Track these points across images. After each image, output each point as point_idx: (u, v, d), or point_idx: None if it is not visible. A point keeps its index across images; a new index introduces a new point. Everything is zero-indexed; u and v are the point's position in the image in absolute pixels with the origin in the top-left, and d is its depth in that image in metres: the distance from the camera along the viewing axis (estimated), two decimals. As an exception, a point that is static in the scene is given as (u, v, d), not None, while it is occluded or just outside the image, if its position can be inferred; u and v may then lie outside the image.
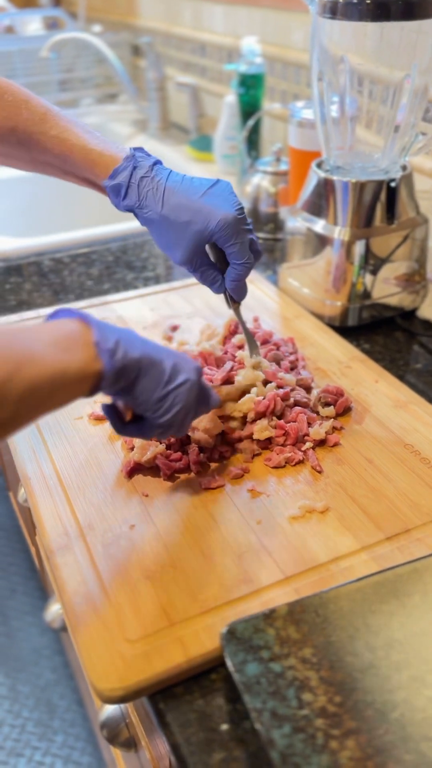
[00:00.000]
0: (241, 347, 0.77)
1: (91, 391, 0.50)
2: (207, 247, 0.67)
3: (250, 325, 0.85)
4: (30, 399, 0.45)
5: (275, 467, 0.64)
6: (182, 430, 0.58)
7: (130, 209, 0.68)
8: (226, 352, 0.76)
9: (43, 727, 1.40)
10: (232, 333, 0.84)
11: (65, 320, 0.50)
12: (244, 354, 0.73)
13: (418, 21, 0.75)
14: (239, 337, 0.80)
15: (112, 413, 0.57)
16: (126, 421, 0.58)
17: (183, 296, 0.95)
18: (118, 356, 0.50)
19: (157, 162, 0.68)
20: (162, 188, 0.66)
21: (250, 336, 0.73)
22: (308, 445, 0.65)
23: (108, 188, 0.68)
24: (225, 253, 0.66)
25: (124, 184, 0.67)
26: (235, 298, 0.71)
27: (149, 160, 0.68)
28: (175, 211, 0.65)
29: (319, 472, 0.63)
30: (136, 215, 0.68)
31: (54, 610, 1.13)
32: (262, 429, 0.65)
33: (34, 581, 1.70)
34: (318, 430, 0.66)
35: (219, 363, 0.75)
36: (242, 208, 0.65)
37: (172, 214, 0.65)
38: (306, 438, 0.66)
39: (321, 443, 0.67)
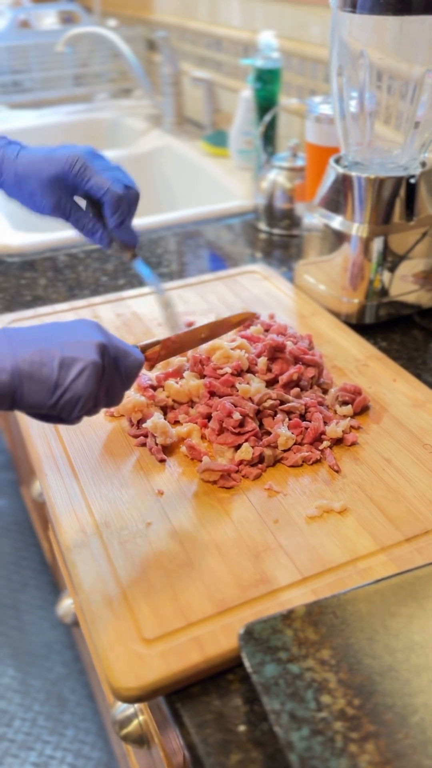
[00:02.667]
0: (257, 339, 0.76)
1: None
2: (90, 207, 0.66)
3: (265, 320, 0.84)
4: None
5: (292, 466, 0.63)
6: (113, 403, 0.52)
7: None
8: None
9: (54, 721, 1.41)
10: (247, 325, 0.83)
11: None
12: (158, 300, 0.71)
13: (440, 15, 0.73)
14: (254, 329, 0.79)
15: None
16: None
17: (198, 292, 0.95)
18: None
19: (13, 141, 0.68)
20: (15, 154, 0.66)
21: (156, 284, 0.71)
22: (325, 444, 0.65)
23: None
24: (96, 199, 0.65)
25: None
26: (123, 242, 0.66)
27: (3, 141, 0.68)
28: (29, 166, 0.65)
29: (337, 471, 0.63)
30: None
31: (66, 604, 1.13)
32: (286, 439, 0.65)
33: (46, 575, 1.71)
34: (335, 429, 0.66)
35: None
36: (94, 150, 0.65)
37: (26, 169, 0.65)
38: (323, 437, 0.66)
39: (338, 442, 0.66)
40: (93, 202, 0.66)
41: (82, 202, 0.67)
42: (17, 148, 0.67)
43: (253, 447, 0.64)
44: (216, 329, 0.67)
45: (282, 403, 0.67)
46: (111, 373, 0.51)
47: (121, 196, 0.63)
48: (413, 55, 0.79)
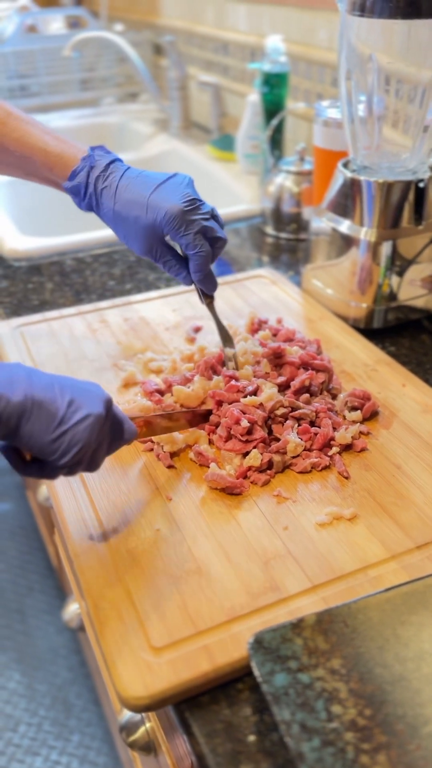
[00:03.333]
0: (264, 345, 0.76)
1: None
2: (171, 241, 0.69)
3: (272, 324, 0.84)
4: None
5: (301, 472, 0.63)
6: (93, 467, 0.53)
7: (89, 209, 0.71)
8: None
9: (60, 726, 1.40)
10: (255, 330, 0.83)
11: None
12: (223, 350, 0.74)
13: (449, 19, 0.73)
14: (262, 334, 0.79)
15: (9, 453, 0.51)
16: (27, 460, 0.52)
17: (206, 297, 0.95)
18: None
19: (115, 160, 0.70)
20: (115, 186, 0.68)
21: (223, 330, 0.75)
22: (335, 450, 0.64)
23: (68, 190, 0.71)
24: None
25: (82, 184, 0.70)
26: (204, 291, 0.71)
27: (106, 159, 0.70)
28: (126, 207, 0.68)
29: (346, 477, 0.62)
30: (97, 215, 0.71)
31: (72, 609, 1.13)
32: (295, 446, 0.64)
33: (52, 580, 1.71)
34: (344, 435, 0.65)
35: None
36: (192, 199, 0.66)
37: (123, 210, 0.68)
38: (332, 443, 0.65)
39: (347, 448, 0.66)
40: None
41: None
42: (117, 175, 0.69)
43: (261, 453, 0.63)
44: (189, 420, 0.67)
45: (293, 409, 0.67)
46: (106, 432, 0.52)
47: (206, 257, 0.68)
48: (422, 59, 0.78)
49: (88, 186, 0.70)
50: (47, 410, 0.48)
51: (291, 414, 0.66)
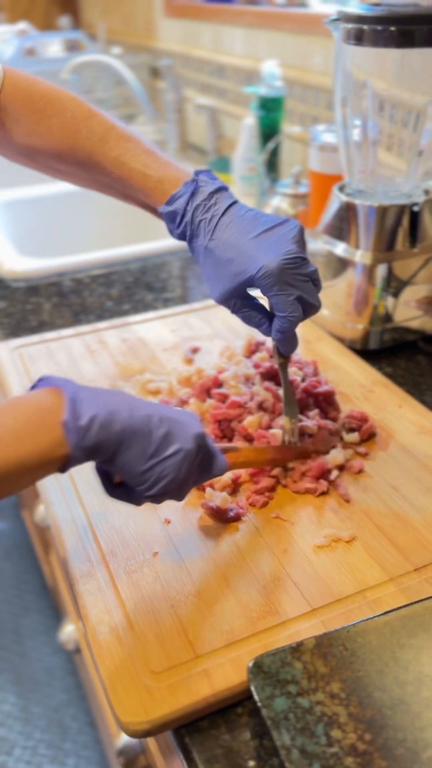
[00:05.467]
0: (258, 366, 0.76)
1: (62, 471, 0.47)
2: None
3: (270, 347, 0.85)
4: None
5: (296, 492, 0.63)
6: (179, 498, 0.52)
7: (182, 238, 0.64)
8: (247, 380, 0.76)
9: (55, 749, 1.39)
10: (252, 351, 0.84)
11: (40, 393, 0.47)
12: (283, 419, 0.67)
13: (442, 47, 0.75)
14: (259, 356, 0.79)
15: (102, 474, 0.52)
16: (116, 483, 0.53)
17: (203, 318, 0.95)
18: (90, 434, 0.46)
19: (221, 188, 0.62)
20: (216, 220, 0.61)
21: (290, 396, 0.67)
22: (335, 474, 0.64)
23: (164, 215, 0.63)
24: None
25: (180, 211, 0.62)
26: (281, 351, 0.64)
27: (211, 186, 0.62)
28: (221, 247, 0.60)
29: (347, 501, 0.62)
30: (189, 246, 0.64)
31: (68, 630, 1.12)
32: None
33: (48, 600, 1.69)
34: (336, 456, 0.65)
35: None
36: (296, 257, 0.58)
37: (217, 249, 0.60)
38: (329, 467, 0.65)
39: (341, 468, 0.66)
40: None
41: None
42: (221, 207, 0.61)
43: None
44: (283, 454, 0.65)
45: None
46: (196, 466, 0.51)
47: (296, 322, 0.60)
48: (416, 86, 0.80)
49: (185, 214, 0.62)
50: (143, 441, 0.48)
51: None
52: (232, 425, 0.69)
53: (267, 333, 0.63)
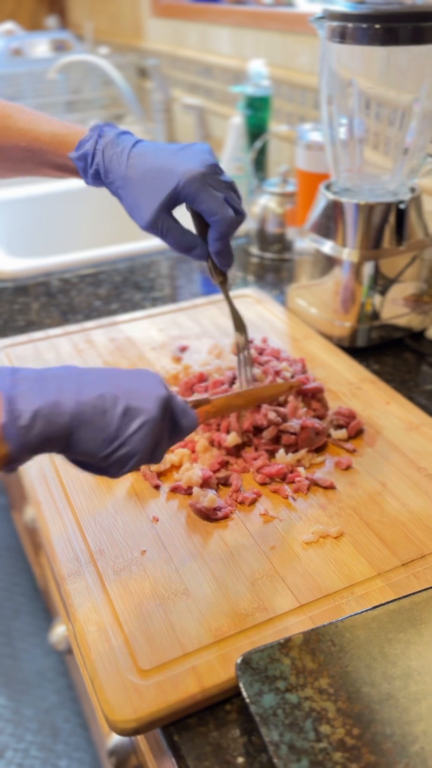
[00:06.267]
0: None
1: (9, 470, 0.44)
2: (192, 218, 0.64)
3: (258, 344, 0.85)
4: None
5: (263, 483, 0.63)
6: (155, 462, 0.50)
7: (96, 179, 0.65)
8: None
9: (47, 751, 1.38)
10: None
11: None
12: (235, 335, 0.69)
13: (426, 45, 0.75)
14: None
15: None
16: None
17: (191, 316, 0.95)
18: (34, 432, 0.42)
19: (125, 132, 0.65)
20: (127, 151, 0.63)
21: (235, 312, 0.69)
22: (302, 471, 0.65)
23: (74, 161, 0.65)
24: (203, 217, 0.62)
25: (90, 152, 0.64)
26: (219, 266, 0.64)
27: (116, 130, 0.65)
28: (139, 171, 0.62)
29: (327, 488, 0.63)
30: (105, 185, 0.65)
31: (59, 631, 1.12)
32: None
33: (38, 602, 1.69)
34: (282, 457, 0.65)
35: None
36: (215, 164, 0.61)
37: (135, 174, 0.62)
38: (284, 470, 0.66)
39: (287, 476, 0.65)
40: (198, 218, 0.64)
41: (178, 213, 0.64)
42: (129, 142, 0.63)
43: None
44: (253, 397, 0.66)
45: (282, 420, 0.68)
46: (165, 430, 0.49)
47: (230, 224, 0.61)
48: (401, 84, 0.80)
49: (96, 154, 0.64)
50: (99, 426, 0.45)
51: (279, 427, 0.67)
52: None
53: (200, 256, 0.64)
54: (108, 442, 0.45)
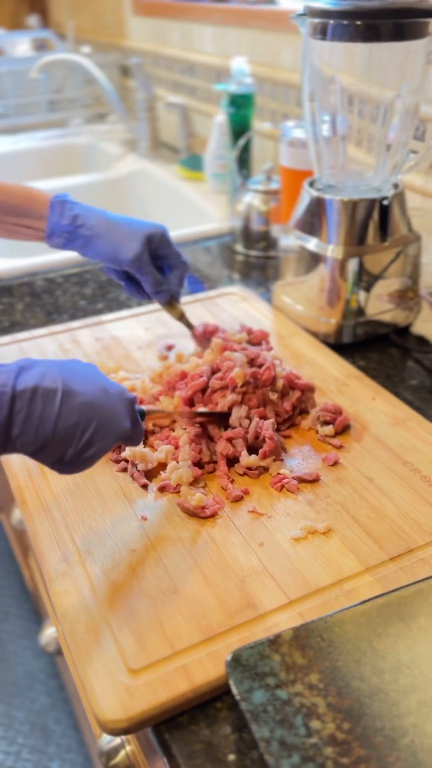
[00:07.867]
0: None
1: None
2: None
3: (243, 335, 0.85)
4: None
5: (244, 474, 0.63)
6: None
7: (69, 231, 0.73)
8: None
9: (39, 753, 1.37)
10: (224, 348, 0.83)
11: None
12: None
13: (407, 42, 0.75)
14: (238, 336, 0.80)
15: None
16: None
17: (177, 315, 0.95)
18: (13, 447, 0.47)
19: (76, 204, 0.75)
20: (94, 209, 0.74)
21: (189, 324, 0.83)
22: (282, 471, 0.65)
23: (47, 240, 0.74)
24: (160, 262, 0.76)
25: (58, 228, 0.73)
26: (195, 291, 0.83)
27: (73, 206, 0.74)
28: (116, 221, 0.73)
29: (313, 481, 0.63)
30: (73, 235, 0.73)
31: (48, 633, 1.11)
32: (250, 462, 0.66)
33: (28, 604, 1.68)
34: (245, 459, 0.65)
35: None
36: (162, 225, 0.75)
37: (109, 223, 0.73)
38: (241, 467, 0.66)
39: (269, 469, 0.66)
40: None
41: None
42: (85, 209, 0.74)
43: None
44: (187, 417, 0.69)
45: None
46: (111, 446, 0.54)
47: (186, 267, 0.78)
48: (383, 80, 0.80)
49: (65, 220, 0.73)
50: (63, 448, 0.49)
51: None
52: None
53: (165, 294, 0.77)
54: (65, 459, 0.50)
